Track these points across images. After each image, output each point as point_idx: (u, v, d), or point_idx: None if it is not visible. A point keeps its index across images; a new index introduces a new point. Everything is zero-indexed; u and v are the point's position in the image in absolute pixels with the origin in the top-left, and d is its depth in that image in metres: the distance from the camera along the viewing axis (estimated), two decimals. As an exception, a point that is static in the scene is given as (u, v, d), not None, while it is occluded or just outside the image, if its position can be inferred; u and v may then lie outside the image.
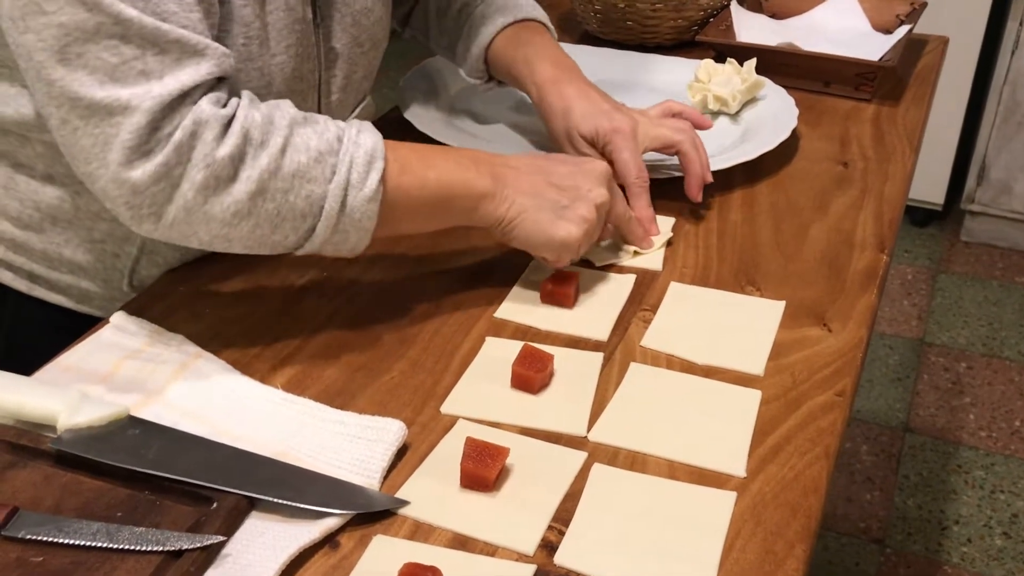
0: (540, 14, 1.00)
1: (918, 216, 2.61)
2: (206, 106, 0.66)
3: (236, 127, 0.67)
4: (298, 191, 0.68)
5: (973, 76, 2.34)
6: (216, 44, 0.68)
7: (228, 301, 0.81)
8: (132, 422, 0.66)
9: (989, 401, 2.06)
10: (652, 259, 0.85)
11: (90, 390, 0.70)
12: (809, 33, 1.20)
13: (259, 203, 0.68)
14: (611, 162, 0.86)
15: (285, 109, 0.70)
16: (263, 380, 0.72)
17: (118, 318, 0.77)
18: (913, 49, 1.23)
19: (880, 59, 1.10)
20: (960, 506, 1.82)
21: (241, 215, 0.68)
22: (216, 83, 0.68)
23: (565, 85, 0.91)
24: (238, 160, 0.67)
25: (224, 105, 0.68)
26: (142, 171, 0.64)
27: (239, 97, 0.70)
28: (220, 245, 0.70)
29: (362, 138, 0.71)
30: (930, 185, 2.49)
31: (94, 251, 0.84)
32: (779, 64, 1.11)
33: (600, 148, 0.88)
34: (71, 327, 0.78)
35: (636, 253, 0.85)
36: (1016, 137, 2.36)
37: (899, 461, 1.92)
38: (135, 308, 0.79)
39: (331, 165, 0.69)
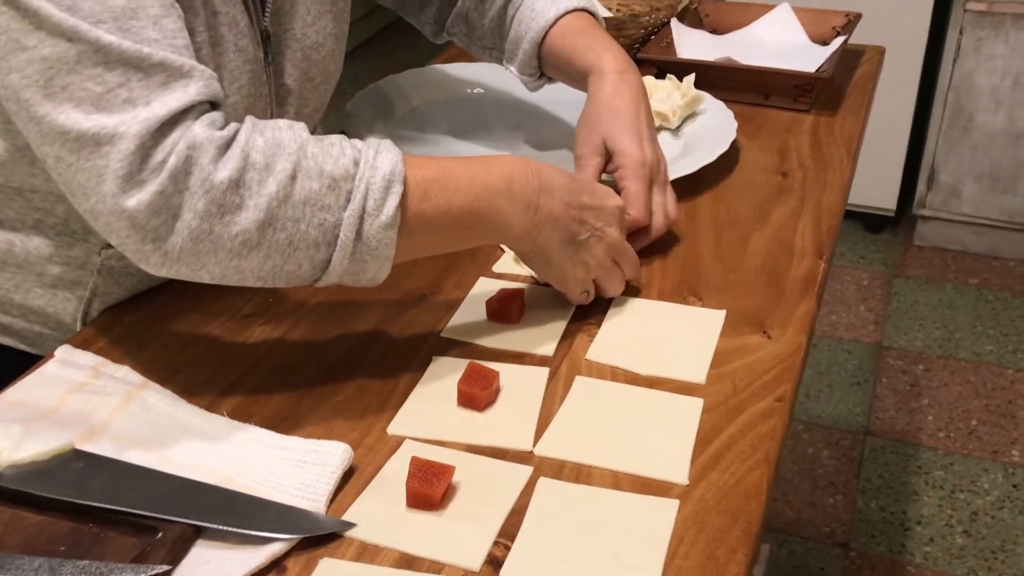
0: (588, 2, 0.98)
1: (872, 222, 2.65)
2: (200, 129, 0.64)
3: (236, 149, 0.64)
4: (310, 219, 0.66)
5: (918, 84, 2.39)
6: (203, 66, 0.66)
7: (174, 330, 0.81)
8: (76, 455, 0.66)
9: (946, 402, 2.09)
10: None
11: (35, 424, 0.69)
12: (748, 47, 1.22)
13: (269, 233, 0.65)
14: (618, 189, 0.86)
15: (297, 131, 0.67)
16: (209, 408, 0.72)
17: (63, 352, 0.77)
18: (850, 59, 1.26)
19: (817, 70, 1.13)
20: (921, 507, 1.85)
21: (251, 245, 0.65)
22: (209, 106, 0.67)
23: (628, 84, 0.90)
24: (241, 186, 0.64)
25: (222, 127, 0.65)
26: (137, 201, 0.62)
27: (240, 121, 0.68)
28: (233, 278, 0.67)
29: (380, 160, 0.68)
30: (882, 192, 2.54)
31: (45, 295, 0.83)
32: (719, 79, 1.13)
33: (611, 167, 0.88)
34: (23, 368, 0.78)
35: None
36: (962, 142, 2.41)
37: (860, 464, 1.95)
38: (81, 341, 0.79)
39: (346, 191, 0.66)
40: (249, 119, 0.68)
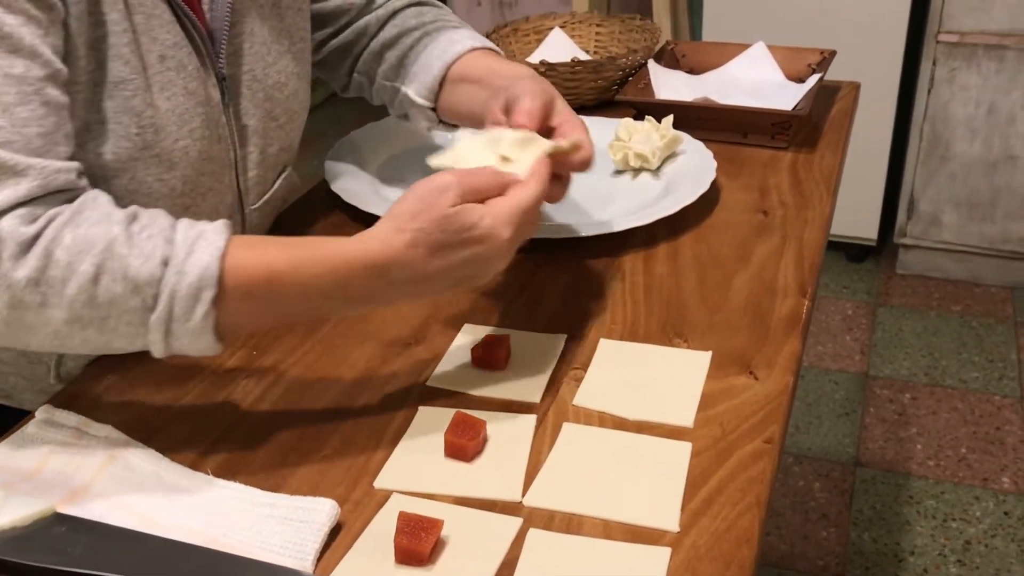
0: (495, 46, 1.00)
1: (854, 252, 2.67)
2: (7, 224, 0.64)
3: (38, 248, 0.64)
4: (118, 319, 0.66)
5: (895, 115, 2.42)
6: (47, 162, 0.67)
7: (156, 387, 0.80)
8: (58, 519, 0.65)
9: (935, 430, 2.10)
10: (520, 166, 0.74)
11: (16, 488, 0.68)
12: (725, 86, 1.23)
13: (77, 328, 0.66)
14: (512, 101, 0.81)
15: (111, 224, 0.66)
16: (193, 466, 0.71)
17: (44, 412, 0.76)
18: (826, 96, 1.27)
19: (793, 108, 1.14)
20: (914, 537, 1.84)
21: (62, 335, 0.67)
22: (32, 200, 0.66)
23: (542, 80, 0.86)
24: (42, 284, 0.64)
25: (33, 221, 0.65)
26: None
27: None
28: (61, 350, 0.69)
29: (192, 263, 0.65)
30: (863, 221, 2.56)
31: (17, 347, 0.82)
32: (697, 119, 1.14)
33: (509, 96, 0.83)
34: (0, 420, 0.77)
35: (505, 159, 0.75)
36: (940, 171, 2.44)
37: (852, 496, 1.94)
38: (62, 400, 0.78)
39: (151, 296, 0.65)
40: (68, 210, 0.67)
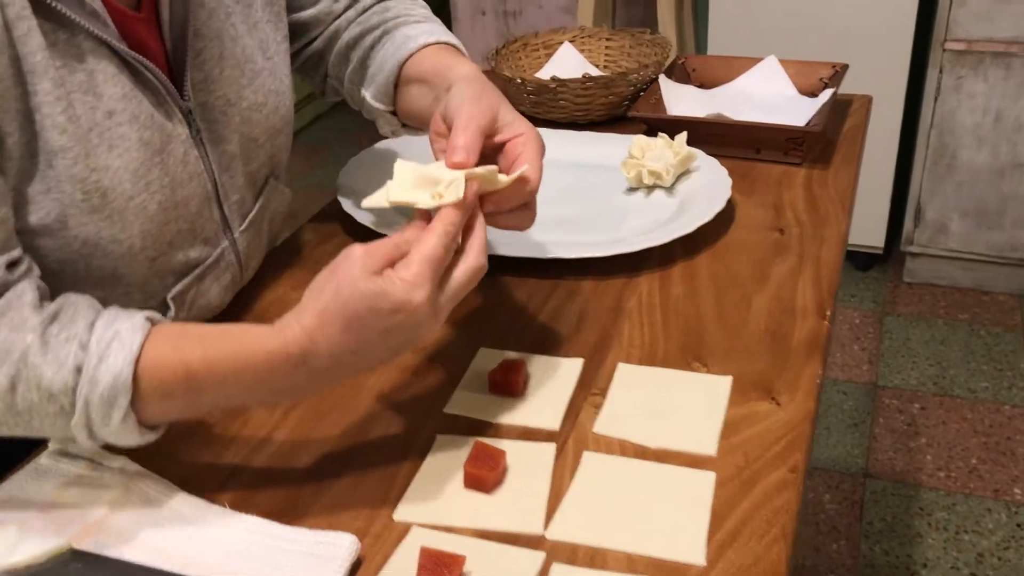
0: (455, 39, 0.94)
1: (860, 261, 2.66)
2: None
3: None
4: (41, 421, 0.65)
5: (901, 123, 2.41)
6: None
7: (171, 415, 0.79)
8: (74, 556, 0.64)
9: (944, 441, 2.08)
10: (453, 192, 0.69)
11: (30, 524, 0.67)
12: (737, 101, 1.23)
13: (4, 428, 0.66)
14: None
15: (24, 331, 0.64)
16: (210, 498, 0.70)
17: (57, 442, 0.75)
18: (839, 110, 1.26)
19: (807, 124, 1.13)
20: (926, 549, 1.83)
21: None
22: None
23: (483, 86, 0.80)
24: None
25: None
26: None
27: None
28: None
29: (103, 370, 0.63)
30: (870, 229, 2.55)
31: None
32: (710, 134, 1.13)
33: (502, 137, 0.77)
34: (8, 450, 0.76)
35: (439, 196, 0.69)
36: (947, 179, 2.43)
37: (862, 508, 1.93)
38: (74, 429, 0.77)
39: (68, 403, 0.64)
40: None
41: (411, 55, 0.91)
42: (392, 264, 0.65)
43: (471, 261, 0.67)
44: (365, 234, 1.00)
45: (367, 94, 0.95)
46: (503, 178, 0.72)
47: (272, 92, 0.88)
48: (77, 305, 0.67)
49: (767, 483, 0.69)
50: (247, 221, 0.90)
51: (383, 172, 1.12)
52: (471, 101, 0.76)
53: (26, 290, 0.67)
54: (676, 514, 0.66)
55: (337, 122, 3.71)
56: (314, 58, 1.02)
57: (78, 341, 0.65)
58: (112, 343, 0.64)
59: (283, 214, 0.98)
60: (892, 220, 2.56)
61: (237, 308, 0.92)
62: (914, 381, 2.27)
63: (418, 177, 0.71)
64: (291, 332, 0.64)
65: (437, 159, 0.78)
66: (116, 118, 0.74)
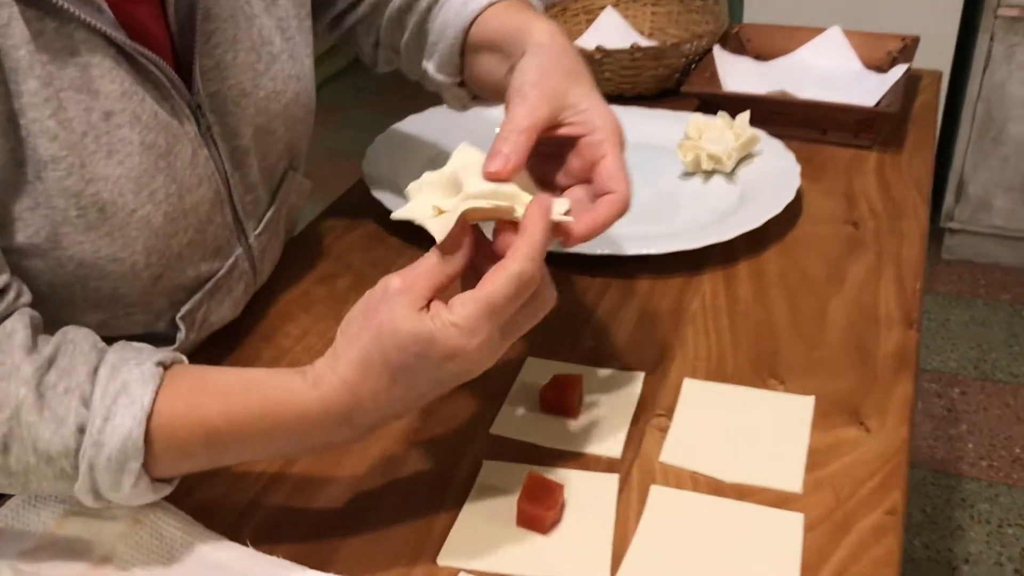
0: None
1: (897, 236, 2.56)
2: None
3: None
4: (39, 483, 0.57)
5: (946, 93, 2.30)
6: None
7: (184, 432, 0.71)
8: (75, 605, 0.56)
9: (986, 428, 2.00)
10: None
11: (26, 562, 0.59)
12: (797, 75, 1.13)
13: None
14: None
15: (18, 385, 0.55)
16: (229, 532, 0.62)
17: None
18: (908, 87, 1.16)
19: (878, 102, 1.03)
20: (968, 543, 1.75)
21: None
22: None
23: (569, 48, 0.68)
24: None
25: None
26: None
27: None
28: None
29: (110, 432, 0.54)
30: (907, 204, 2.44)
31: None
32: (771, 112, 1.03)
33: (570, 129, 0.65)
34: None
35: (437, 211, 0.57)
36: (992, 153, 2.32)
37: (902, 499, 1.85)
38: (77, 446, 0.69)
39: (70, 467, 0.56)
40: None
41: (476, 17, 0.76)
42: (437, 292, 0.55)
43: (546, 301, 0.57)
44: (392, 221, 0.91)
45: (429, 66, 0.82)
46: (557, 210, 0.58)
47: (292, 78, 0.77)
48: (76, 345, 0.58)
49: (863, 528, 0.60)
50: (263, 223, 0.80)
51: (411, 152, 1.03)
52: (532, 83, 0.64)
53: (16, 328, 0.57)
54: (760, 565, 0.58)
55: (351, 83, 3.60)
56: (362, 26, 0.90)
57: (79, 395, 0.55)
58: (119, 398, 0.55)
59: (300, 207, 0.88)
60: (933, 195, 2.45)
61: (252, 310, 0.83)
62: (954, 364, 2.17)
63: (448, 181, 0.59)
64: (329, 387, 0.55)
65: None
66: (115, 120, 0.63)
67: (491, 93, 0.78)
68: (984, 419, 2.02)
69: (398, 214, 0.59)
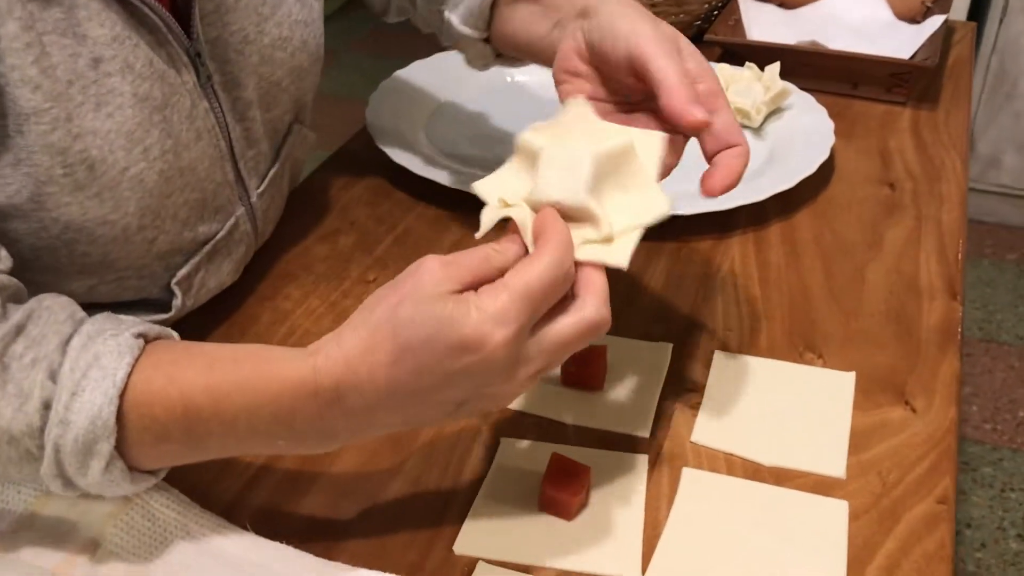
0: None
1: (903, 193, 2.51)
2: None
3: None
4: (4, 467, 0.52)
5: (960, 46, 2.23)
6: None
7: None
8: (59, 594, 0.51)
9: (991, 390, 1.97)
10: (613, 252, 0.51)
11: (2, 542, 0.55)
12: (826, 25, 1.06)
13: None
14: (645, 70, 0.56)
15: None
16: (226, 512, 0.57)
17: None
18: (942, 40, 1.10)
19: (913, 55, 0.97)
20: (970, 508, 1.73)
21: None
22: None
23: (646, 13, 0.59)
24: None
25: None
26: None
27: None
28: None
29: (76, 409, 0.49)
30: (915, 161, 2.39)
31: None
32: (800, 64, 0.97)
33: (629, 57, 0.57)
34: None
35: (589, 241, 0.51)
36: (1005, 109, 2.26)
37: (905, 462, 1.82)
38: (61, 416, 0.64)
39: (35, 447, 0.50)
40: None
41: None
42: (477, 284, 0.48)
43: (588, 313, 0.48)
44: (399, 172, 0.85)
45: (453, 17, 0.74)
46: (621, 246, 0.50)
47: (299, 23, 0.71)
48: (51, 313, 0.52)
49: (912, 517, 0.56)
50: (267, 180, 0.73)
51: (418, 100, 0.97)
52: (658, 40, 0.55)
53: None
54: (803, 556, 0.54)
55: (345, 26, 3.50)
56: None
57: (46, 367, 0.49)
58: (90, 371, 0.49)
59: (304, 161, 0.82)
60: (941, 151, 2.40)
61: (250, 269, 0.77)
62: (958, 325, 2.14)
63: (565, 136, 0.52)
64: (326, 357, 0.48)
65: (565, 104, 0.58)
66: (104, 67, 0.57)
67: (522, 51, 0.71)
68: (989, 381, 1.99)
69: (480, 188, 0.53)
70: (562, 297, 0.48)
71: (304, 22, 0.72)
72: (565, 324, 0.47)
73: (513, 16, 0.70)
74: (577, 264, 0.49)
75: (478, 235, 0.50)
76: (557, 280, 0.47)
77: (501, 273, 0.47)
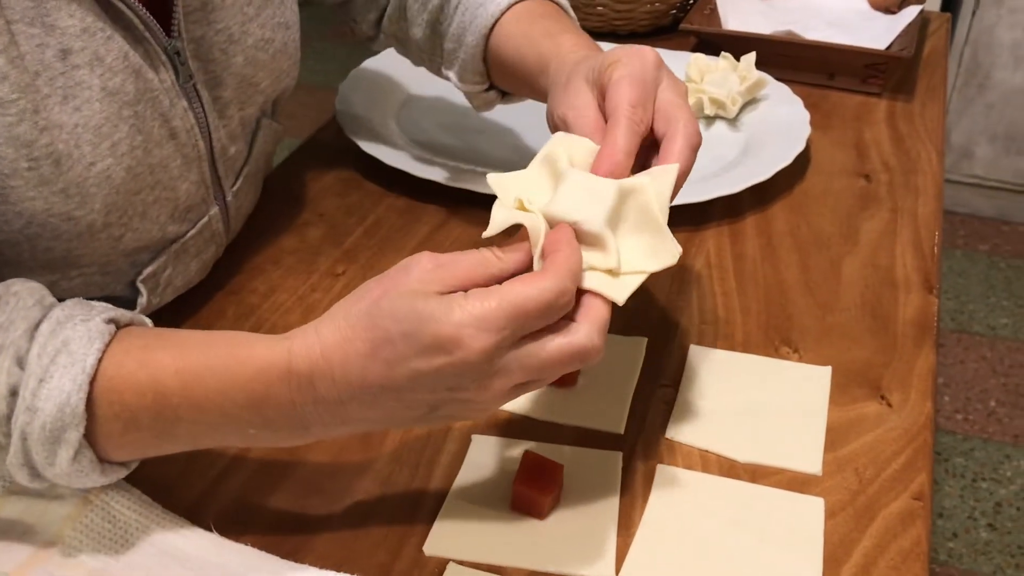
0: None
1: (876, 184, 2.51)
2: None
3: None
4: None
5: (933, 38, 2.24)
6: None
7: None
8: (15, 599, 0.50)
9: (963, 381, 1.98)
10: (615, 286, 0.50)
11: (-42, 548, 0.53)
12: (803, 16, 1.06)
13: None
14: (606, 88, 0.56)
15: None
16: (189, 514, 0.55)
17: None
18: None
19: (889, 46, 0.97)
20: (942, 497, 1.74)
21: None
22: None
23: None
24: None
25: None
26: None
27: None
28: None
29: (44, 396, 0.47)
30: (889, 152, 2.39)
31: None
32: (776, 55, 0.96)
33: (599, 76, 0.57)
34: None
35: (593, 268, 0.50)
36: (977, 100, 2.27)
37: (878, 452, 1.83)
38: (19, 414, 0.62)
39: (2, 434, 0.49)
40: None
41: (497, 20, 0.70)
42: (469, 286, 0.46)
43: (578, 338, 0.46)
44: (369, 162, 0.84)
45: (452, 76, 0.75)
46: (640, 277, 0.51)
47: (280, 25, 0.69)
48: (19, 299, 0.50)
49: (888, 515, 0.55)
50: (241, 178, 0.72)
51: (389, 89, 0.95)
52: (630, 80, 0.55)
53: None
54: (779, 554, 0.53)
55: (313, 12, 3.46)
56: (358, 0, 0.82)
57: (13, 353, 0.48)
58: (58, 357, 0.48)
59: (272, 153, 0.80)
60: (914, 142, 2.41)
61: (217, 266, 0.74)
62: (931, 316, 2.15)
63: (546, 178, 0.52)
64: (301, 343, 0.47)
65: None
66: (72, 59, 0.55)
67: (517, 85, 0.72)
68: (960, 372, 2.00)
69: (495, 183, 0.52)
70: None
71: (285, 24, 0.70)
72: (552, 344, 0.46)
73: (502, 73, 0.72)
74: (579, 290, 0.48)
75: (486, 234, 0.49)
76: (554, 305, 0.45)
77: (497, 280, 0.46)
